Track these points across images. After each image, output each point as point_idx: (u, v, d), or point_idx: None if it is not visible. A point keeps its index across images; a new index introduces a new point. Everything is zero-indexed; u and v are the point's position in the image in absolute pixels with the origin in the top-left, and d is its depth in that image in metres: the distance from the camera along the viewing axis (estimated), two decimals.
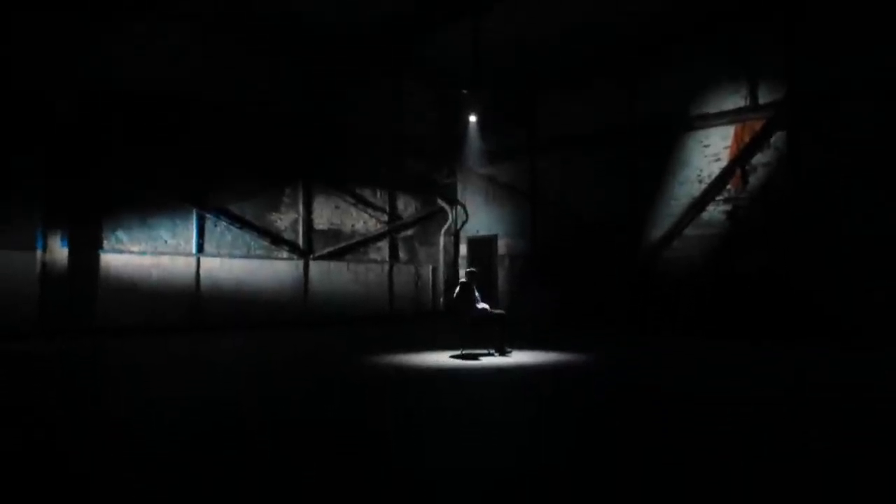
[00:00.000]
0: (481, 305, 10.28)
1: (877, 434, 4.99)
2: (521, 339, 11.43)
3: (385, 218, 17.91)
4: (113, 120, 13.20)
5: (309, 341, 12.83)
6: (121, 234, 13.27)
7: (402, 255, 18.20)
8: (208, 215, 14.47)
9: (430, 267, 18.79)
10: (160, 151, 13.78)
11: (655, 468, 4.07)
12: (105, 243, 13.08)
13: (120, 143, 13.24)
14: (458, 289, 10.34)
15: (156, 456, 4.39)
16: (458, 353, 9.97)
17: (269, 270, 15.39)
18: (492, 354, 9.89)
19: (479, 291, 10.45)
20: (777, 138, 12.98)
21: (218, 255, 14.56)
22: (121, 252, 13.23)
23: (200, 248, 14.30)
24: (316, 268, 16.25)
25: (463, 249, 19.10)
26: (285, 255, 15.79)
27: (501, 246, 18.21)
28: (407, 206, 18.46)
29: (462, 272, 10.56)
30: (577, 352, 10.32)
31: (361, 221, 17.40)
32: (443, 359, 9.54)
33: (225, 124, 14.75)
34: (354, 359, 9.70)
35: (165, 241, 13.84)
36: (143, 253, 13.49)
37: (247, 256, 15.05)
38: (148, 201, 13.61)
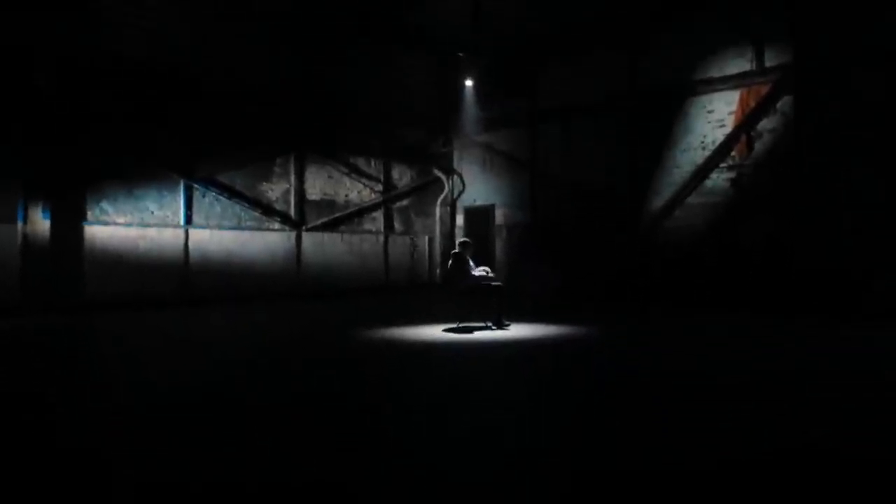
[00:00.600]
0: (479, 270, 9.91)
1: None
2: (519, 311, 11.10)
3: (380, 188, 17.52)
4: (97, 88, 12.69)
5: (301, 314, 12.53)
6: (106, 205, 12.85)
7: (397, 225, 17.84)
8: (196, 186, 14.04)
9: (427, 238, 18.45)
10: (146, 120, 13.30)
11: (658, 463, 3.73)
12: (89, 215, 12.66)
13: (104, 111, 12.74)
14: (451, 260, 9.95)
15: (139, 432, 4.06)
16: (453, 326, 9.63)
17: (261, 242, 15.02)
18: (489, 328, 9.55)
19: (474, 262, 10.07)
20: (784, 103, 12.56)
21: (207, 226, 14.16)
22: (106, 224, 12.80)
23: (189, 220, 13.89)
24: (309, 239, 15.88)
25: (459, 220, 18.75)
26: (277, 226, 15.42)
27: (499, 216, 17.86)
28: (402, 176, 18.05)
29: (457, 243, 10.11)
30: (576, 325, 9.99)
31: (355, 191, 17.00)
32: (437, 333, 9.21)
33: (213, 93, 14.26)
34: (345, 333, 9.37)
35: (152, 213, 13.42)
36: (129, 225, 13.08)
37: (237, 228, 14.66)
38: (133, 171, 13.15)
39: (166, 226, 13.59)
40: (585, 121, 15.83)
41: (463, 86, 16.72)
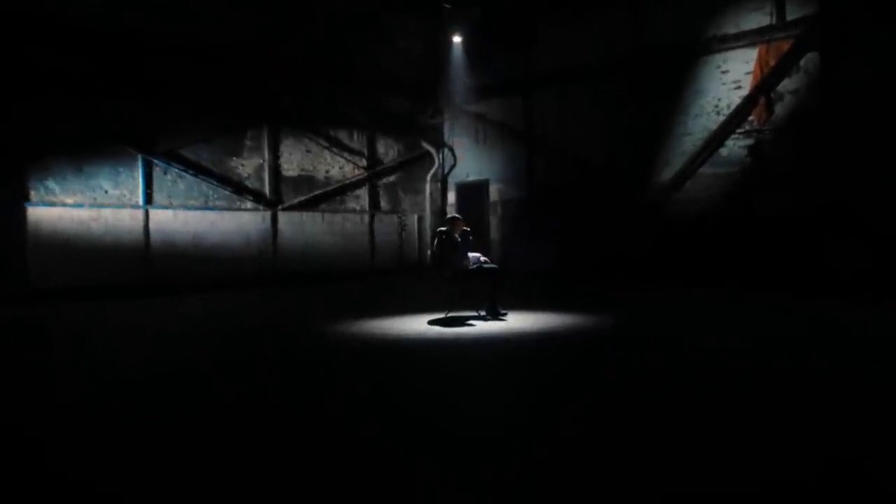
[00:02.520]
0: (473, 255, 8.59)
1: None
2: (516, 296, 9.85)
3: (364, 163, 16.25)
4: (38, 51, 11.30)
5: (274, 302, 11.34)
6: (52, 184, 11.51)
7: (383, 203, 16.62)
8: (156, 161, 12.72)
9: (416, 216, 17.23)
10: (97, 88, 11.96)
11: None
12: (33, 195, 11.33)
13: (47, 78, 11.37)
14: (437, 240, 8.63)
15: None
16: (441, 316, 8.36)
17: (232, 223, 13.76)
18: (483, 318, 8.27)
19: (467, 245, 8.76)
20: (808, 61, 11.47)
21: (170, 206, 12.88)
22: (53, 205, 11.48)
23: (149, 199, 12.60)
24: (286, 219, 14.64)
25: (451, 197, 17.63)
26: (250, 205, 14.15)
27: (494, 192, 16.76)
28: (388, 150, 16.79)
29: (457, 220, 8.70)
30: (582, 312, 8.69)
31: (337, 167, 15.72)
32: (422, 325, 7.92)
33: (174, 57, 12.90)
34: (318, 326, 8.07)
35: (106, 192, 12.11)
36: (79, 205, 11.77)
37: (205, 207, 13.38)
38: (84, 146, 11.79)
39: (123, 206, 12.30)
40: (586, 86, 14.69)
41: (452, 49, 15.46)
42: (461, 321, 8.08)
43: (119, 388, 5.11)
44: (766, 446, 3.39)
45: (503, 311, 8.38)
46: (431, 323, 8.00)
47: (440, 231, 8.59)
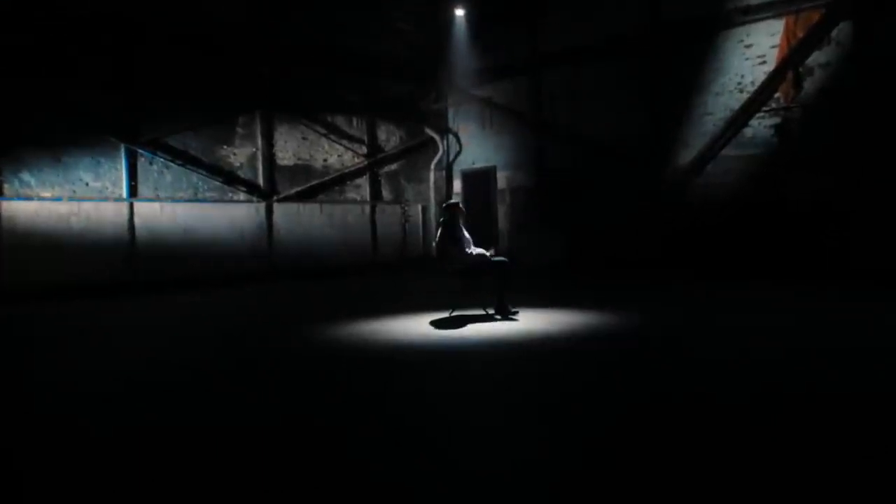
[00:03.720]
0: (477, 251, 7.75)
1: None
2: (526, 291, 9.03)
3: (364, 150, 15.50)
4: (9, 33, 10.55)
5: (268, 301, 10.61)
6: (27, 176, 10.80)
7: (385, 193, 15.89)
8: (141, 151, 12.01)
9: (420, 206, 16.47)
10: (75, 74, 11.21)
11: None
12: (6, 188, 10.64)
13: (20, 62, 10.62)
14: (439, 230, 7.79)
15: None
16: (444, 316, 7.56)
17: (223, 216, 13.06)
18: (490, 317, 7.45)
19: (469, 232, 7.94)
20: (840, 31, 10.69)
21: (157, 199, 12.21)
22: (28, 199, 10.80)
23: (133, 192, 11.91)
24: (281, 211, 13.91)
25: (457, 185, 16.94)
26: (243, 196, 13.46)
27: (501, 179, 16.03)
28: (389, 137, 16.05)
29: (456, 207, 7.89)
30: (601, 310, 7.86)
31: (335, 155, 14.99)
32: (423, 326, 7.11)
33: (160, 39, 12.14)
34: (309, 329, 7.26)
35: (86, 184, 11.42)
36: (57, 199, 11.08)
37: (194, 200, 12.70)
38: (61, 135, 11.11)
39: (105, 199, 11.62)
40: (598, 64, 13.93)
41: (454, 29, 14.71)
42: (467, 321, 7.27)
43: (65, 404, 4.34)
44: None
45: (514, 309, 7.56)
46: (435, 324, 7.18)
47: (443, 220, 7.78)
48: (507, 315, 7.43)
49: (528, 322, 7.15)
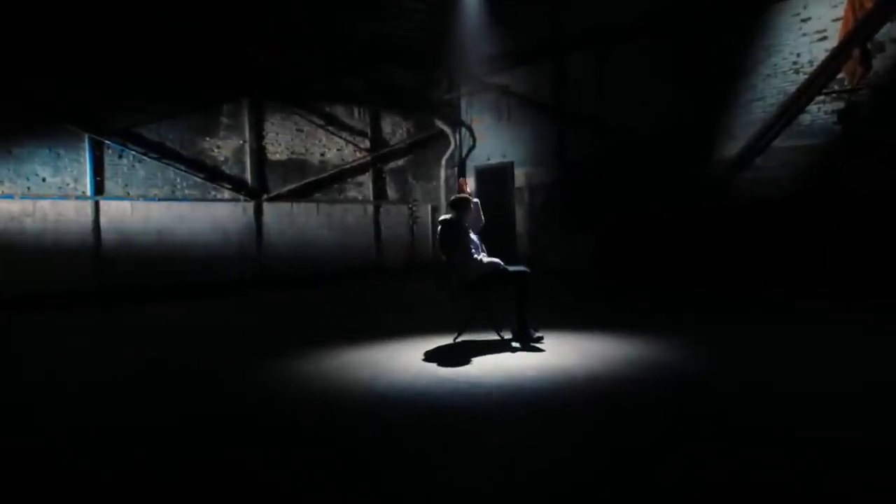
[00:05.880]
0: (487, 259, 6.18)
1: None
2: (551, 306, 7.51)
3: (366, 144, 14.56)
4: None
5: (244, 314, 9.21)
6: None
7: (390, 192, 14.95)
8: (108, 142, 10.89)
9: (429, 206, 15.46)
10: (29, 55, 10.02)
11: None
12: None
13: None
14: (440, 230, 6.23)
15: None
16: (449, 342, 6.03)
17: (206, 216, 12.02)
18: (509, 343, 5.90)
19: (483, 234, 6.39)
20: None
21: (127, 196, 11.13)
22: None
23: (99, 189, 10.83)
24: (273, 211, 12.86)
25: (471, 182, 15.76)
26: (227, 194, 12.38)
27: (520, 176, 14.98)
28: (395, 129, 15.11)
29: (465, 202, 6.34)
30: (649, 334, 6.24)
31: (334, 149, 14.01)
32: (417, 358, 5.55)
33: (129, 16, 10.92)
34: (277, 360, 5.71)
35: (43, 180, 10.32)
36: (7, 196, 9.94)
37: (171, 198, 11.64)
38: (12, 124, 9.97)
39: (66, 197, 10.49)
40: (629, 45, 12.88)
41: (467, 9, 13.65)
42: (476, 350, 5.71)
43: None
44: None
45: (537, 335, 5.98)
46: (434, 357, 5.61)
47: (443, 220, 6.19)
48: (528, 343, 5.85)
49: (558, 353, 5.56)
